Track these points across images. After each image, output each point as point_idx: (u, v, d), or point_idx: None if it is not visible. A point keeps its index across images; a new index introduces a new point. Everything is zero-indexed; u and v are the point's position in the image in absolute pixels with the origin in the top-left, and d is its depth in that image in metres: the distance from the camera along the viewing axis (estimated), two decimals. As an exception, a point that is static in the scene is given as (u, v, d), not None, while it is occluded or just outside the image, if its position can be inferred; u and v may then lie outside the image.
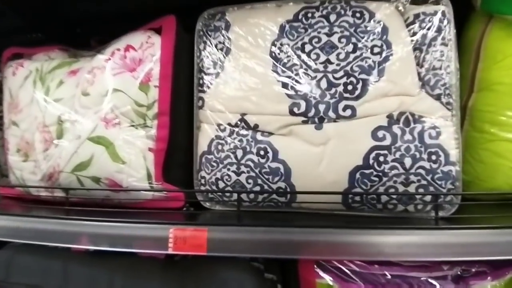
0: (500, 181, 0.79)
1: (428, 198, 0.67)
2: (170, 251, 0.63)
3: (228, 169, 0.72)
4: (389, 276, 0.70)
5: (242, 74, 0.74)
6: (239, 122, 0.73)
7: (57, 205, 0.76)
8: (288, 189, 0.70)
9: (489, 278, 0.75)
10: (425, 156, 0.66)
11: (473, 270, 0.75)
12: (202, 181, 0.76)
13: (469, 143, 0.83)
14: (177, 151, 0.78)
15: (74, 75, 0.82)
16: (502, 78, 0.79)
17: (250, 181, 0.72)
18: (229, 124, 0.74)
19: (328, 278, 0.71)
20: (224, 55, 0.77)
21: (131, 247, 0.64)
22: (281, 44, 0.72)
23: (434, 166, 0.66)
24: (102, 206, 0.76)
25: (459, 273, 0.75)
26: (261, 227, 0.62)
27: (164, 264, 0.68)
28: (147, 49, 0.77)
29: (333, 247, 0.60)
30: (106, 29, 0.86)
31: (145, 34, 0.77)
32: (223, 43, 0.76)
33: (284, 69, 0.70)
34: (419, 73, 0.68)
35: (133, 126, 0.76)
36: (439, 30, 0.68)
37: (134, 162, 0.74)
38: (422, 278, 0.71)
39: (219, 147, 0.74)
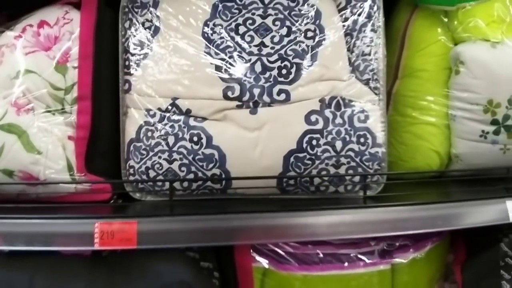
0: (420, 161, 0.90)
1: (357, 178, 0.74)
2: (96, 247, 0.62)
3: (159, 157, 0.73)
4: (321, 255, 0.77)
5: (173, 56, 0.75)
6: (170, 107, 0.74)
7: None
8: (223, 176, 0.72)
9: (411, 250, 0.87)
10: (354, 139, 0.73)
11: (397, 244, 0.86)
12: (131, 170, 0.75)
13: (393, 126, 0.93)
14: (101, 139, 0.76)
15: (-24, 53, 0.75)
16: (424, 65, 0.89)
17: (184, 168, 0.73)
18: (159, 109, 0.74)
19: (264, 262, 0.76)
20: (152, 35, 0.76)
21: (52, 245, 0.63)
22: (214, 25, 0.73)
23: (362, 148, 0.73)
24: (17, 203, 0.72)
25: (385, 247, 0.85)
26: (194, 216, 0.64)
27: (91, 261, 0.67)
28: (64, 26, 0.74)
29: (268, 231, 0.64)
30: (16, 3, 0.80)
31: (62, 9, 0.74)
32: (151, 21, 0.76)
33: (217, 51, 0.72)
34: (349, 59, 0.75)
35: (49, 112, 0.73)
36: (369, 16, 0.75)
37: (51, 152, 0.71)
38: (351, 255, 0.79)
39: (149, 134, 0.74)
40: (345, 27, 0.74)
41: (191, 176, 0.73)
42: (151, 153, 0.74)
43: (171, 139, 0.73)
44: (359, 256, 0.81)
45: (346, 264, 0.79)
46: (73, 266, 0.66)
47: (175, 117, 0.74)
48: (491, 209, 0.74)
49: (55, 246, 0.62)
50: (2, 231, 0.63)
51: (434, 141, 0.88)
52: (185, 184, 0.74)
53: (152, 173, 0.74)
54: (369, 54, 0.76)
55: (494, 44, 0.81)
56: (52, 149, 0.71)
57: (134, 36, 0.77)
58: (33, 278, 0.63)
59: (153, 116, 0.74)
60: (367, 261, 0.81)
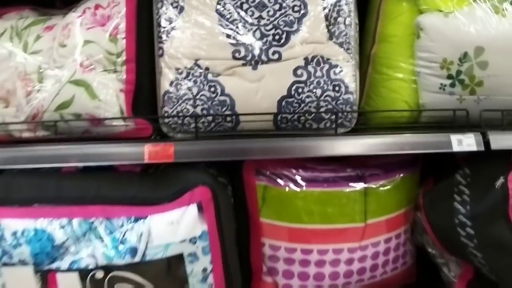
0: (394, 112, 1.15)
1: (333, 118, 1.02)
2: (146, 161, 0.93)
3: (186, 103, 1.02)
4: (307, 177, 1.06)
5: (194, 28, 1.03)
6: (193, 66, 1.02)
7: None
8: (234, 117, 1.01)
9: (381, 178, 1.14)
10: (330, 87, 1.00)
11: (369, 172, 1.13)
12: (165, 115, 1.05)
13: (372, 83, 1.18)
14: (143, 92, 1.06)
15: (50, 30, 1.06)
16: (394, 31, 1.13)
17: (204, 112, 1.02)
18: (185, 68, 1.03)
19: (264, 180, 1.06)
20: (179, 12, 1.04)
21: (116, 161, 0.94)
22: (224, 3, 1.01)
23: (337, 94, 1.01)
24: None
25: (358, 174, 1.12)
26: (213, 140, 0.94)
27: (140, 175, 0.99)
28: (113, 7, 1.03)
29: (266, 150, 0.94)
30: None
31: (111, -5, 1.03)
32: (177, 2, 1.04)
33: (227, 23, 1.00)
34: (327, 26, 1.02)
35: (106, 71, 1.03)
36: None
37: (109, 100, 1.02)
38: (331, 175, 1.07)
39: (178, 86, 1.03)
40: (323, 2, 1.01)
41: (210, 117, 1.03)
42: (180, 101, 1.03)
43: (194, 90, 1.02)
44: (337, 179, 1.10)
45: (326, 184, 1.08)
46: (128, 178, 0.97)
47: (197, 74, 1.02)
48: (440, 140, 1.00)
49: (117, 162, 0.93)
50: (76, 153, 0.94)
51: (405, 94, 1.11)
52: (206, 123, 1.03)
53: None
54: (343, 23, 1.03)
55: (446, 14, 1.03)
56: (109, 98, 1.02)
57: (165, 13, 1.05)
58: (100, 185, 0.94)
59: (181, 73, 1.03)
60: (343, 182, 1.10)
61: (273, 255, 1.09)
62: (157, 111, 1.07)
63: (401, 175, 1.19)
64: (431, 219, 1.11)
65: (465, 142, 0.99)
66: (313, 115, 1.01)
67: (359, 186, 1.11)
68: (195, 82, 1.02)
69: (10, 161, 0.97)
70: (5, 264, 0.87)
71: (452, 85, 1.06)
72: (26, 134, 1.08)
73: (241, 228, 1.08)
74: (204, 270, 0.92)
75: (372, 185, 1.13)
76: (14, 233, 0.87)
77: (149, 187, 0.95)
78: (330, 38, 1.02)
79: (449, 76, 1.05)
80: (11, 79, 1.08)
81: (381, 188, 1.14)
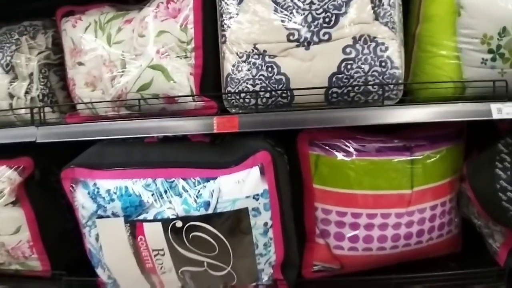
0: (440, 87, 1.22)
1: (380, 92, 1.12)
2: (215, 131, 1.08)
3: (247, 83, 1.16)
4: (356, 146, 1.17)
5: (252, 16, 1.16)
6: (252, 50, 1.16)
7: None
8: (289, 93, 1.14)
9: (427, 149, 1.22)
10: (377, 63, 1.11)
11: (415, 144, 1.22)
12: (229, 95, 1.20)
13: (417, 61, 1.26)
14: (209, 75, 1.21)
15: (129, 23, 1.24)
16: (436, 11, 1.20)
17: (263, 89, 1.16)
18: (245, 52, 1.17)
19: (317, 150, 1.18)
20: (238, 3, 1.18)
21: (190, 131, 1.10)
22: (279, -8, 1.14)
23: (384, 69, 1.11)
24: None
25: (406, 145, 1.21)
26: (272, 112, 1.07)
27: (209, 145, 1.14)
28: (183, 1, 1.19)
29: (319, 120, 1.06)
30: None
31: (181, -9, 1.19)
32: (237, -5, 1.18)
33: (281, 9, 1.13)
34: (373, 7, 1.12)
35: (178, 57, 1.19)
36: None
37: (181, 82, 1.18)
38: (380, 145, 1.17)
39: (239, 68, 1.17)
40: (369, -14, 1.12)
41: (268, 94, 1.16)
42: (241, 81, 1.17)
43: (253, 71, 1.16)
44: (385, 148, 1.19)
45: (374, 153, 1.18)
46: (200, 146, 1.13)
47: (255, 56, 1.16)
48: (480, 108, 1.08)
49: (191, 132, 1.09)
50: (157, 126, 1.11)
51: (448, 70, 1.18)
52: (264, 100, 1.16)
53: (242, 95, 1.18)
54: (388, 4, 1.12)
55: (486, -9, 1.10)
56: (181, 80, 1.18)
57: (227, 5, 1.20)
58: (178, 151, 1.10)
59: (241, 57, 1.17)
60: (391, 152, 1.19)
61: (325, 219, 1.21)
62: (222, 92, 1.22)
63: (446, 146, 1.26)
64: (474, 185, 1.18)
65: (504, 111, 1.06)
66: (361, 88, 1.11)
67: (406, 156, 1.20)
68: (254, 64, 1.15)
69: (102, 133, 1.16)
70: (100, 217, 1.05)
71: (493, 59, 1.12)
72: (111, 114, 1.27)
73: (295, 194, 1.20)
74: (265, 224, 1.05)
75: (418, 155, 1.21)
76: (108, 191, 1.05)
77: (218, 154, 1.10)
78: (376, 18, 1.12)
79: (490, 51, 1.11)
80: (97, 66, 1.27)
81: (427, 158, 1.22)
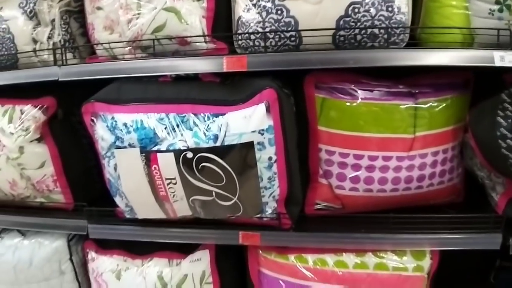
0: (447, 36, 1.24)
1: (386, 37, 1.15)
2: (224, 70, 1.14)
3: (257, 26, 1.20)
4: (361, 90, 1.21)
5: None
6: (262, -6, 1.20)
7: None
8: (297, 35, 1.18)
9: (431, 96, 1.25)
10: (384, 7, 1.13)
11: (419, 90, 1.25)
12: (239, 37, 1.25)
13: (427, 11, 1.27)
14: (221, 18, 1.26)
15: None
16: None
17: (272, 33, 1.20)
18: (256, -3, 1.21)
19: (322, 93, 1.23)
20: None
21: (200, 70, 1.16)
22: None
23: (390, 14, 1.14)
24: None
25: (410, 91, 1.25)
26: (279, 52, 1.12)
27: (219, 84, 1.21)
28: None
29: (326, 60, 1.10)
30: None
31: None
32: None
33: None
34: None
35: (191, 0, 1.24)
36: None
37: (194, 24, 1.23)
38: (384, 90, 1.21)
39: (249, 11, 1.21)
40: None
41: (277, 37, 1.20)
42: (251, 24, 1.21)
43: (264, 14, 1.19)
44: (389, 93, 1.23)
45: (378, 97, 1.22)
46: (211, 86, 1.19)
47: (265, 0, 1.20)
48: (483, 55, 1.10)
49: (201, 71, 1.16)
50: (170, 65, 1.18)
51: (457, 20, 1.20)
52: (273, 43, 1.20)
53: (252, 37, 1.22)
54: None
55: None
56: (194, 23, 1.23)
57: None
58: (190, 90, 1.17)
59: (252, 0, 1.21)
60: (395, 97, 1.23)
61: (328, 159, 1.27)
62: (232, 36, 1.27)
63: (451, 95, 1.29)
64: (475, 132, 1.21)
65: (507, 59, 1.08)
66: (368, 31, 1.14)
67: (410, 101, 1.24)
68: (264, 7, 1.19)
69: (120, 72, 1.23)
70: (118, 147, 1.14)
71: (500, 10, 1.13)
72: (127, 56, 1.33)
73: (301, 136, 1.26)
74: (270, 158, 1.12)
75: (422, 102, 1.25)
76: (125, 124, 1.13)
77: (227, 93, 1.16)
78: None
79: (497, 1, 1.12)
80: (114, 10, 1.33)
81: (431, 105, 1.26)
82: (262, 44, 1.20)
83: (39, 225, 1.44)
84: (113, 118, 1.14)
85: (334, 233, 1.25)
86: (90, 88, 1.30)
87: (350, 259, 1.26)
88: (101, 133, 1.16)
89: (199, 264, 1.34)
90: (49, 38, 1.50)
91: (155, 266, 1.35)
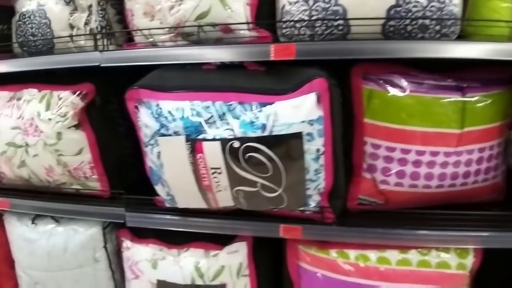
0: (494, 30, 1.19)
1: (437, 28, 1.11)
2: (271, 59, 1.10)
3: (303, 14, 1.16)
4: (410, 82, 1.17)
5: None
6: (310, -20, 1.16)
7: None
8: (345, 23, 1.14)
9: (479, 90, 1.21)
10: (436, -2, 1.09)
11: (468, 85, 1.21)
12: (283, 25, 1.21)
13: (473, 4, 1.22)
14: (265, 5, 1.22)
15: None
16: None
17: (319, 22, 1.16)
18: (304, -17, 1.17)
19: (370, 84, 1.19)
20: None
21: (246, 58, 1.13)
22: None
23: (442, 5, 1.09)
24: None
25: (458, 85, 1.20)
26: (327, 41, 1.08)
27: (265, 73, 1.17)
28: None
29: (376, 50, 1.06)
30: None
31: None
32: None
33: None
34: None
35: (236, -14, 1.20)
36: None
37: (238, 11, 1.19)
38: (433, 83, 1.17)
39: (295, 1, 1.17)
40: None
41: (324, 27, 1.17)
42: (297, 12, 1.17)
43: (310, 2, 1.15)
44: (438, 86, 1.19)
45: (427, 91, 1.18)
46: (256, 75, 1.16)
47: (313, -13, 1.16)
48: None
49: (247, 59, 1.12)
50: (215, 52, 1.14)
51: (504, 13, 1.15)
52: (319, 31, 1.17)
53: (298, 25, 1.19)
54: None
55: None
56: (238, 10, 1.20)
57: None
58: (235, 79, 1.14)
59: (299, -12, 1.17)
60: (444, 91, 1.19)
61: (374, 153, 1.23)
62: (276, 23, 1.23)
63: (499, 90, 1.24)
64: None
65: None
66: (419, 22, 1.10)
67: (458, 95, 1.19)
68: (311, -6, 1.15)
69: (164, 58, 1.21)
70: (162, 135, 1.11)
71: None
72: (168, 43, 1.31)
73: (345, 128, 1.23)
74: (318, 150, 1.09)
75: (470, 96, 1.20)
76: (170, 111, 1.10)
77: (274, 81, 1.13)
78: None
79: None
80: (156, -4, 1.30)
81: (479, 100, 1.21)
82: (308, 32, 1.16)
83: (75, 212, 1.43)
84: (158, 105, 1.11)
85: (377, 228, 1.21)
86: (125, 76, 1.28)
87: (393, 255, 1.22)
88: (145, 120, 1.13)
89: (236, 256, 1.32)
90: (85, 24, 1.47)
91: (192, 257, 1.33)
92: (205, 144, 1.08)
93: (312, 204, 1.18)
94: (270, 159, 1.07)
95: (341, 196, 1.24)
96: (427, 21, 1.11)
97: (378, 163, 1.24)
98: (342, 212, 1.25)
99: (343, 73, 1.22)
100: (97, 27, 1.48)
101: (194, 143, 1.09)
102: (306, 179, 1.12)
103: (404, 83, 1.18)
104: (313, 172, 1.12)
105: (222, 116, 1.08)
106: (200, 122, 1.08)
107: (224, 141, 1.06)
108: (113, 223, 1.48)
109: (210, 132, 1.08)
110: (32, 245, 1.47)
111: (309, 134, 1.06)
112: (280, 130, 1.05)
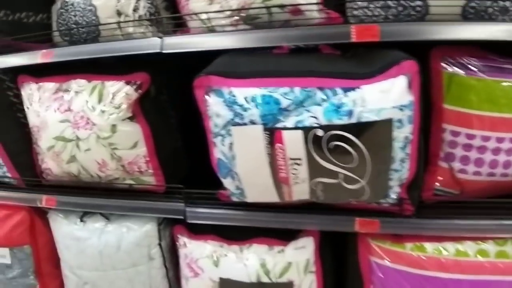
0: None
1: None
2: (353, 40, 1.02)
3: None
4: (492, 67, 1.09)
5: None
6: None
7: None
8: (423, 3, 1.06)
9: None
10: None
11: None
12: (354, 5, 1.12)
13: None
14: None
15: None
16: None
17: (395, 3, 1.08)
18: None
19: (450, 68, 1.11)
20: None
21: (324, 40, 1.04)
22: None
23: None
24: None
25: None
26: (405, 22, 1.01)
27: (342, 56, 1.09)
28: None
29: (451, 30, 0.98)
30: None
31: None
32: None
33: None
34: None
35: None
36: None
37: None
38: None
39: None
40: None
41: (401, 8, 1.08)
42: (370, -6, 1.09)
43: (387, -19, 1.08)
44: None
45: (507, 75, 1.10)
46: (333, 59, 1.08)
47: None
48: None
49: (325, 41, 1.04)
50: (290, 34, 1.06)
51: None
52: (394, 12, 1.08)
53: (371, 6, 1.10)
54: None
55: None
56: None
57: None
58: (312, 63, 1.05)
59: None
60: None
61: (453, 141, 1.15)
62: (345, 5, 1.15)
63: None
64: None
65: None
66: (500, 4, 1.02)
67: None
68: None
69: (231, 43, 1.12)
70: (236, 124, 1.03)
71: None
72: (228, 28, 1.22)
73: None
74: (406, 138, 1.01)
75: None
76: (245, 99, 1.02)
77: (354, 65, 1.05)
78: None
79: None
80: (215, -22, 1.21)
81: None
82: (383, 13, 1.08)
83: (129, 208, 1.35)
84: (230, 92, 1.03)
85: (456, 220, 1.14)
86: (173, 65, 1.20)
87: (470, 247, 1.15)
88: (216, 109, 1.05)
89: (303, 252, 1.24)
90: (134, 10, 1.39)
91: (255, 253, 1.25)
92: (285, 133, 1.00)
93: (393, 196, 1.10)
94: (356, 148, 0.99)
95: (419, 187, 1.16)
96: (507, 3, 1.03)
97: (456, 151, 1.16)
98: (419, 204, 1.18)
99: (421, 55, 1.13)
100: (145, 14, 1.40)
101: (272, 132, 1.00)
102: (390, 169, 1.04)
103: (485, 67, 1.10)
104: (398, 162, 1.04)
105: (302, 103, 1.00)
106: (279, 110, 1.00)
107: (306, 130, 0.98)
108: (167, 219, 1.40)
109: (291, 120, 1.00)
110: (82, 244, 1.39)
111: (399, 120, 0.98)
112: (369, 116, 0.97)
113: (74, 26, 1.43)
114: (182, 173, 1.44)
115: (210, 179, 1.21)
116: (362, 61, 1.06)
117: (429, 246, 1.16)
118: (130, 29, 1.38)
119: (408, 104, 0.97)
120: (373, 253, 1.21)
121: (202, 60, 1.12)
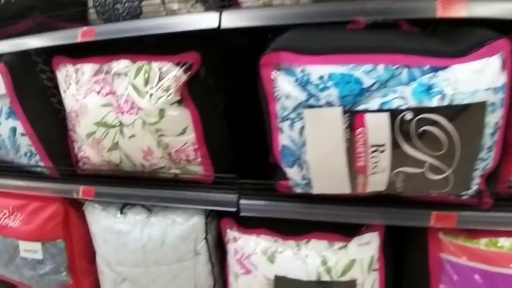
0: None
1: None
2: (438, 16, 0.92)
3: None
4: None
5: None
6: None
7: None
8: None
9: None
10: None
11: None
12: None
13: None
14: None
15: None
16: None
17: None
18: None
19: None
20: None
21: (408, 15, 0.94)
22: None
23: None
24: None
25: None
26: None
27: (425, 34, 0.99)
28: None
29: None
30: None
31: None
32: None
33: None
34: None
35: None
36: None
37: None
38: None
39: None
40: None
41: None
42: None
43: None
44: None
45: None
46: (416, 35, 0.98)
47: None
48: None
49: (410, 16, 0.94)
50: (366, 8, 0.96)
51: None
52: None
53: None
54: None
55: None
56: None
57: None
58: (394, 39, 0.95)
59: None
60: None
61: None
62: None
63: None
64: None
65: None
66: None
67: None
68: None
69: (300, 17, 1.01)
70: (310, 106, 0.93)
71: None
72: (287, 2, 1.11)
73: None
74: (496, 124, 0.91)
75: None
76: (321, 78, 0.91)
77: (439, 43, 0.95)
78: None
79: None
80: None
81: None
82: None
83: (176, 200, 1.25)
84: (303, 70, 0.92)
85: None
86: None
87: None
88: (287, 90, 0.94)
89: (367, 248, 1.14)
90: (179, -12, 1.27)
91: (314, 249, 1.15)
92: (368, 117, 0.89)
93: (474, 187, 1.01)
94: (447, 133, 0.89)
95: (496, 178, 1.06)
96: None
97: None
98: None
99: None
100: (191, -10, 1.28)
101: (353, 115, 0.90)
102: (478, 158, 0.94)
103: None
104: (486, 150, 0.94)
105: (387, 82, 0.90)
106: (360, 90, 0.90)
107: (394, 113, 0.88)
108: (213, 212, 1.30)
109: (374, 101, 0.90)
110: (122, 238, 1.29)
111: (492, 104, 0.88)
112: (463, 99, 0.87)
113: (113, 3, 1.31)
114: (228, 163, 1.33)
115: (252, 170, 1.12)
116: (447, 39, 0.96)
117: (504, 241, 1.07)
118: (175, 6, 1.27)
119: (501, 86, 0.88)
120: (445, 249, 1.11)
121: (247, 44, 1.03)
